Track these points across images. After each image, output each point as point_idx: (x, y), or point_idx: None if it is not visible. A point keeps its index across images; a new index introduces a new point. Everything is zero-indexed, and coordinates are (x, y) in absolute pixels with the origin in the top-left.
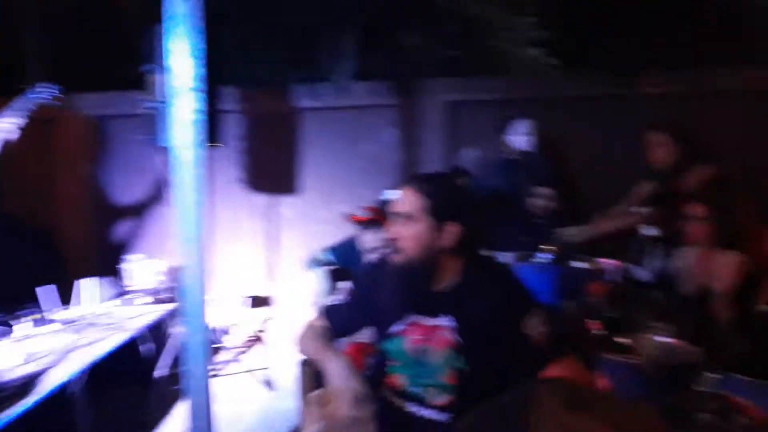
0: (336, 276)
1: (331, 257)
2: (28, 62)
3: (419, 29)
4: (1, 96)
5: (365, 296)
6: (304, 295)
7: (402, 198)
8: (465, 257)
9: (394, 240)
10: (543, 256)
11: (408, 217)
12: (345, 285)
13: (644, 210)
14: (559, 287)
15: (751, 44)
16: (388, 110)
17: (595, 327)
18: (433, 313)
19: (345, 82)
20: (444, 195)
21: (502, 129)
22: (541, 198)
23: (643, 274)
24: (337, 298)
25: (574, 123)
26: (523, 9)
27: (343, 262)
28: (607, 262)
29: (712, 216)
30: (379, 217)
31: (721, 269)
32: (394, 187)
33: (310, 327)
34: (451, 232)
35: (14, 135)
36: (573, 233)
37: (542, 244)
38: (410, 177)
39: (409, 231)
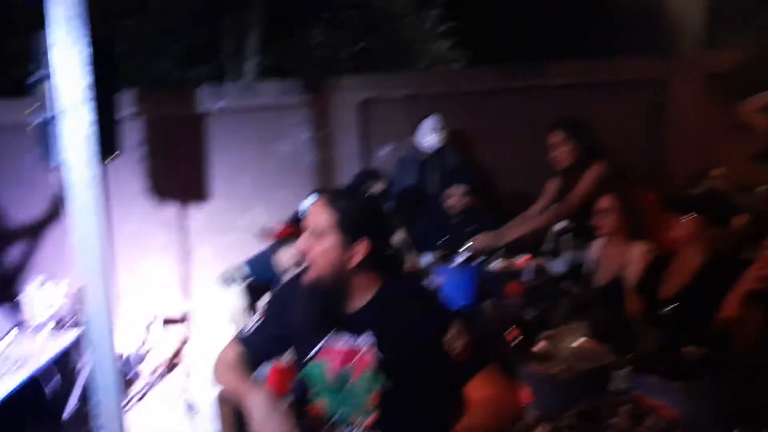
0: (254, 291)
1: (247, 271)
2: None
3: (325, 24)
4: None
5: (281, 318)
6: (221, 313)
7: (311, 213)
8: (380, 273)
9: (304, 256)
10: (461, 257)
11: (318, 232)
12: (265, 300)
13: (554, 208)
14: (476, 289)
15: (645, 34)
16: (300, 109)
17: (513, 335)
18: (352, 333)
19: (251, 81)
20: (355, 210)
21: (415, 126)
22: (456, 195)
23: (558, 267)
24: (255, 319)
25: (483, 116)
26: (428, 2)
27: (261, 275)
28: (522, 261)
29: (619, 208)
30: (294, 231)
31: (630, 259)
32: (309, 195)
33: (225, 357)
34: (363, 247)
35: None
36: (488, 240)
37: (460, 243)
38: (320, 190)
39: (319, 246)
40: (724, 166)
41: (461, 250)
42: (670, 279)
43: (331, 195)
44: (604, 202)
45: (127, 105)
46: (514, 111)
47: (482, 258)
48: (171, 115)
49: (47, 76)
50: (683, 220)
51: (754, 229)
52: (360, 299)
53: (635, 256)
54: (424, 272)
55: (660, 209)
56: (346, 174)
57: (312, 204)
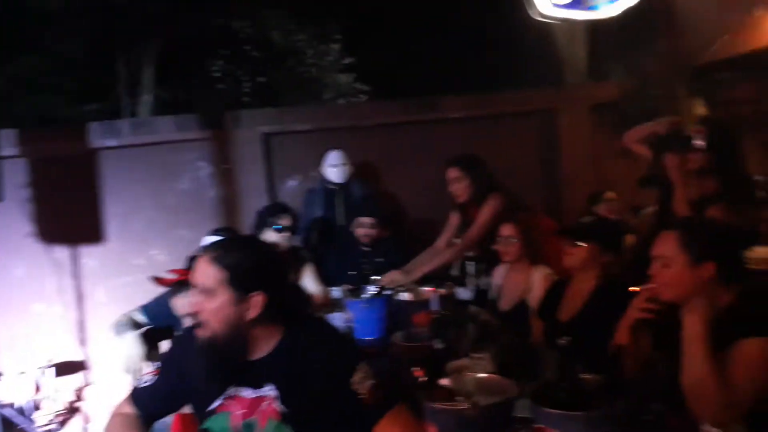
0: (151, 338)
1: (142, 317)
2: None
3: (224, 58)
4: None
5: (177, 371)
6: (117, 361)
7: (198, 270)
8: (280, 322)
9: (196, 314)
10: (370, 289)
11: (206, 291)
12: (164, 347)
13: (457, 244)
14: (386, 321)
15: (533, 68)
16: (200, 144)
17: (419, 374)
18: (255, 384)
19: (147, 116)
20: (245, 263)
21: (320, 159)
22: (364, 227)
23: (464, 293)
24: (150, 372)
25: (386, 149)
26: (328, 36)
27: (159, 321)
28: (430, 291)
29: (520, 235)
30: (189, 277)
31: (532, 283)
32: (206, 236)
33: (117, 417)
34: (257, 301)
35: None
36: (397, 278)
37: (370, 276)
38: (208, 246)
39: (209, 305)
40: (613, 191)
41: (371, 283)
42: (566, 304)
43: (218, 250)
44: (506, 229)
45: (8, 144)
46: (415, 143)
47: (390, 290)
48: (61, 153)
49: None
50: (576, 248)
51: (642, 249)
52: (261, 350)
53: (536, 281)
54: (334, 306)
55: (555, 235)
56: (250, 209)
57: (197, 261)
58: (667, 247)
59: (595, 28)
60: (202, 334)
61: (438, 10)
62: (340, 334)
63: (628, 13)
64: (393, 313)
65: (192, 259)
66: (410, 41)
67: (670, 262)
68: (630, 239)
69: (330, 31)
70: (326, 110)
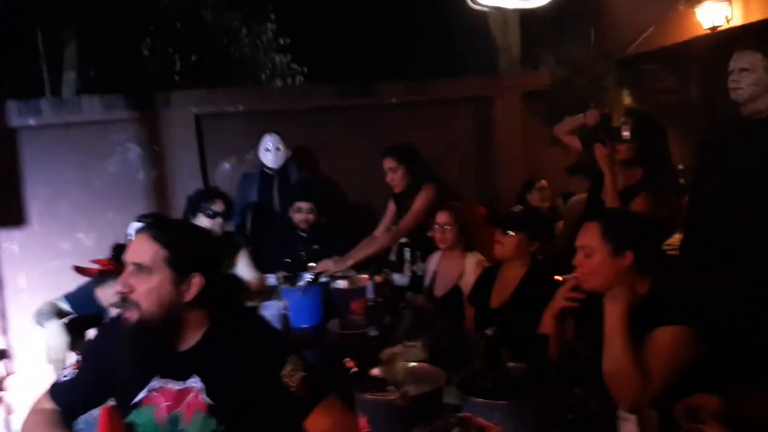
0: (76, 327)
1: (66, 307)
2: None
3: (154, 36)
4: None
5: (101, 362)
6: (40, 351)
7: (135, 248)
8: (212, 310)
9: (127, 294)
10: (306, 276)
11: (143, 268)
12: (89, 337)
13: (392, 231)
14: (322, 308)
15: (469, 55)
16: (129, 125)
17: (350, 364)
18: (180, 376)
19: (71, 95)
20: (185, 243)
21: (256, 142)
22: (301, 212)
23: (401, 279)
24: (72, 364)
25: (323, 133)
26: (263, 16)
27: (84, 310)
28: (365, 278)
29: (455, 222)
30: (114, 267)
31: (464, 270)
32: (134, 221)
33: (36, 414)
34: (194, 284)
35: None
36: (332, 265)
37: (307, 262)
38: (147, 223)
39: (145, 284)
40: (544, 178)
41: (307, 270)
42: (497, 291)
43: (158, 227)
44: (442, 217)
45: None
46: (352, 128)
47: (327, 277)
48: None
49: None
50: (506, 237)
51: (571, 236)
52: (188, 339)
53: (469, 268)
54: (270, 293)
55: (486, 223)
56: (182, 192)
57: (135, 238)
58: (589, 238)
59: (529, 16)
60: (131, 316)
61: None
62: (270, 326)
63: (560, 3)
64: (329, 300)
65: (117, 248)
66: (347, 24)
67: (593, 252)
68: (560, 226)
69: (265, 10)
70: (261, 92)
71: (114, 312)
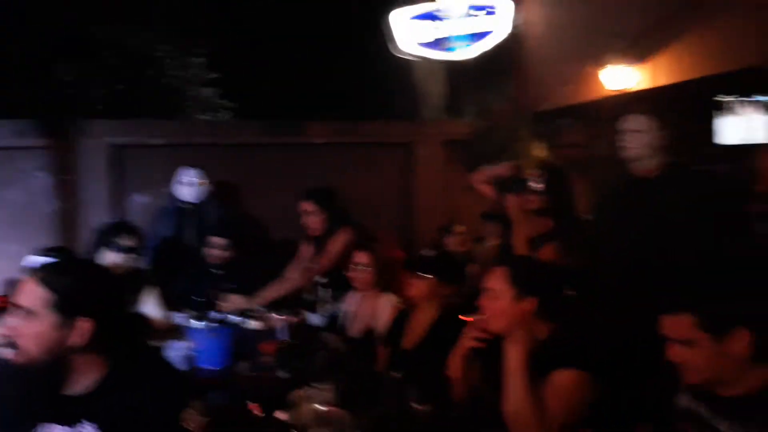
0: None
1: None
2: None
3: (75, 63)
4: None
5: None
6: None
7: (22, 291)
8: (107, 354)
9: (11, 337)
10: (217, 316)
11: (28, 312)
12: None
13: (305, 271)
14: (231, 350)
15: (396, 101)
16: (41, 153)
17: (254, 407)
18: (69, 421)
19: None
20: (74, 286)
21: (172, 176)
22: (215, 248)
23: (317, 319)
24: None
25: (246, 169)
26: (192, 48)
27: None
28: (278, 318)
29: (373, 263)
30: (8, 304)
31: (380, 310)
32: (38, 253)
33: None
34: (83, 328)
35: None
36: (242, 303)
37: (218, 300)
38: (39, 265)
39: (30, 329)
40: (462, 223)
41: (217, 309)
42: (409, 333)
43: (48, 270)
44: (360, 257)
45: None
46: (278, 166)
47: (238, 317)
48: None
49: None
50: (418, 279)
51: (482, 279)
52: (80, 383)
53: (384, 309)
54: (177, 333)
55: (403, 264)
56: (91, 224)
57: (23, 281)
58: (496, 281)
59: (454, 68)
60: (16, 360)
61: (308, 36)
62: (172, 368)
63: (484, 58)
64: (240, 341)
65: (10, 284)
66: (278, 62)
67: (498, 295)
68: (474, 269)
69: (194, 44)
70: (185, 125)
71: (2, 352)
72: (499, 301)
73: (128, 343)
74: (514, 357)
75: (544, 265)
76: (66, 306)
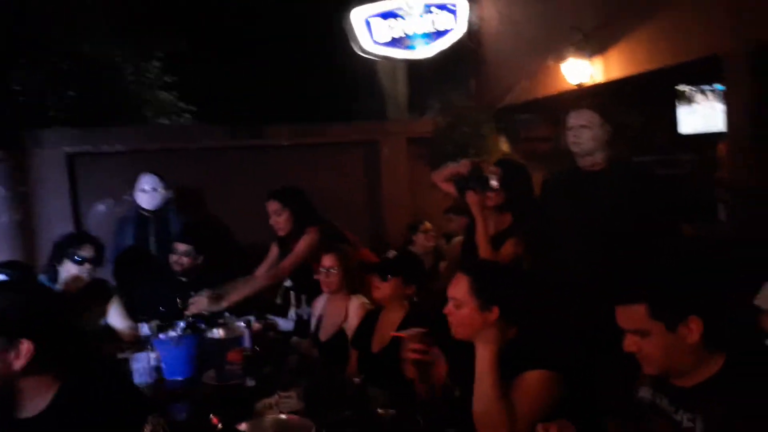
0: None
1: None
2: None
3: (27, 69)
4: None
5: None
6: None
7: None
8: (57, 373)
9: None
10: (181, 325)
11: None
12: None
13: (271, 271)
14: (196, 359)
15: (359, 100)
16: None
17: (215, 420)
18: None
19: None
20: (12, 308)
21: (132, 183)
22: (179, 255)
23: (286, 324)
24: None
25: (209, 174)
26: (150, 52)
27: None
28: (244, 326)
29: (340, 266)
30: None
31: (350, 313)
32: None
33: None
34: (24, 351)
35: None
36: (206, 303)
37: (182, 309)
38: None
39: None
40: (430, 220)
41: (181, 318)
42: (378, 334)
43: None
44: (327, 260)
45: None
46: (241, 169)
47: (203, 326)
48: None
49: None
50: (383, 282)
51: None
52: (32, 406)
53: (353, 311)
54: (141, 344)
55: (369, 267)
56: (49, 237)
57: None
58: (459, 290)
59: (416, 67)
60: None
61: (268, 36)
62: (129, 382)
63: (444, 56)
64: (205, 350)
65: None
66: (238, 63)
67: (461, 305)
68: (443, 265)
69: (151, 47)
70: (143, 131)
71: None
72: (463, 309)
73: (78, 361)
74: (484, 356)
75: (507, 272)
76: (5, 329)
